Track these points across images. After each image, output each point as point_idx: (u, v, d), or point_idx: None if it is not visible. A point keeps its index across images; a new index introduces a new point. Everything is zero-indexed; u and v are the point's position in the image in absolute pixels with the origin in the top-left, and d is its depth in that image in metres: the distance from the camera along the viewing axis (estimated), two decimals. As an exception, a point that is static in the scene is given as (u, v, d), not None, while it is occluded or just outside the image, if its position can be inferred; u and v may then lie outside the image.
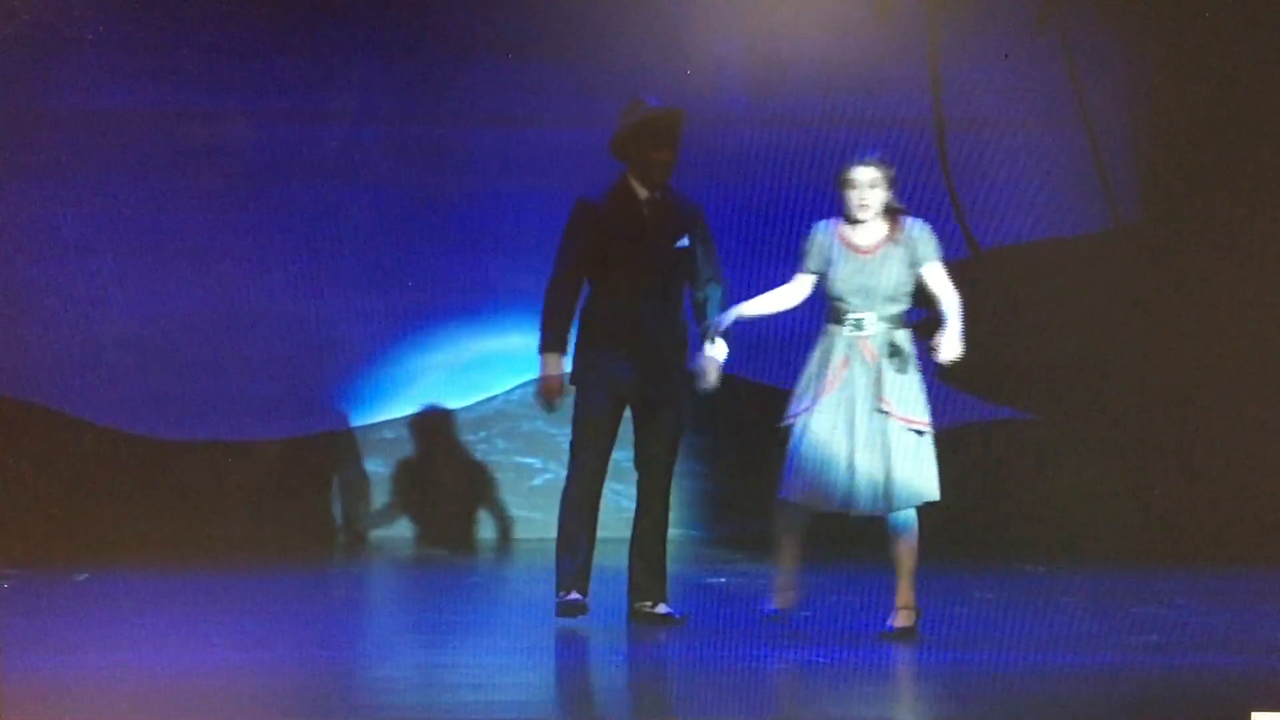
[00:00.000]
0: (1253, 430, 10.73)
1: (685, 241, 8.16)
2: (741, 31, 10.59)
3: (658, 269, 8.11)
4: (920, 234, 7.95)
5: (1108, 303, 10.82)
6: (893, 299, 7.87)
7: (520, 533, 10.92)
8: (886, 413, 7.81)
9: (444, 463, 10.99)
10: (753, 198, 10.38)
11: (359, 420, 10.93)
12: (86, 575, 9.58)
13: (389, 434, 10.94)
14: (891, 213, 7.92)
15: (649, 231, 8.11)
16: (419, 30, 10.58)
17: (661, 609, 8.14)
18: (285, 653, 7.72)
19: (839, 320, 7.87)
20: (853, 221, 7.91)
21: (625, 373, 8.08)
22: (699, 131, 9.55)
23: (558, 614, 8.02)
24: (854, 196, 7.89)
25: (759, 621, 7.97)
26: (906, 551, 7.89)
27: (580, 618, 8.00)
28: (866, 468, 7.81)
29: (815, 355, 7.92)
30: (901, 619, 7.86)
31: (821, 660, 7.54)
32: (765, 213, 10.24)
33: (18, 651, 7.13)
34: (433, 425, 10.90)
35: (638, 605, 8.14)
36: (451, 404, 10.90)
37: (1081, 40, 10.85)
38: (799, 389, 7.92)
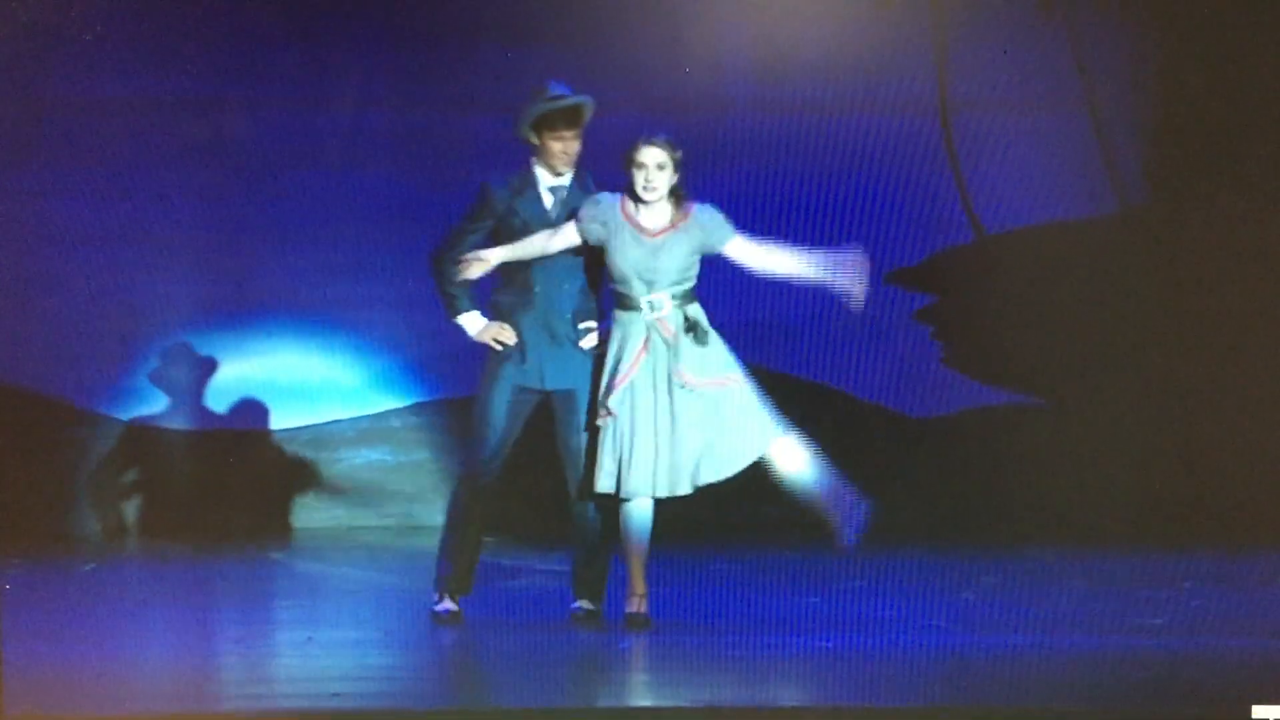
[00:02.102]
0: (1260, 414, 10.71)
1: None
2: (744, 16, 10.57)
3: (562, 257, 7.98)
4: (709, 219, 7.88)
5: (1113, 286, 10.80)
6: (681, 279, 7.83)
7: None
8: (689, 386, 7.76)
9: (453, 451, 10.97)
10: (756, 184, 10.36)
11: (369, 408, 10.93)
12: (93, 565, 9.60)
13: (395, 423, 10.94)
14: (677, 197, 7.83)
15: (552, 220, 7.99)
16: (429, 17, 10.57)
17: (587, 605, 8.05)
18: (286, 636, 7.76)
19: (632, 307, 7.81)
20: (637, 201, 7.81)
21: (533, 364, 8.01)
22: (701, 118, 9.55)
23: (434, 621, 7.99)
24: (640, 177, 7.78)
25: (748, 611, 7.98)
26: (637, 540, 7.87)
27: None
28: (684, 445, 7.76)
29: (613, 346, 7.86)
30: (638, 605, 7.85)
31: (828, 645, 7.54)
32: (767, 199, 10.22)
33: (21, 641, 7.13)
34: (447, 410, 10.88)
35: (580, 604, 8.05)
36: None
37: (1086, 22, 10.82)
38: (604, 383, 7.85)
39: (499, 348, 8.01)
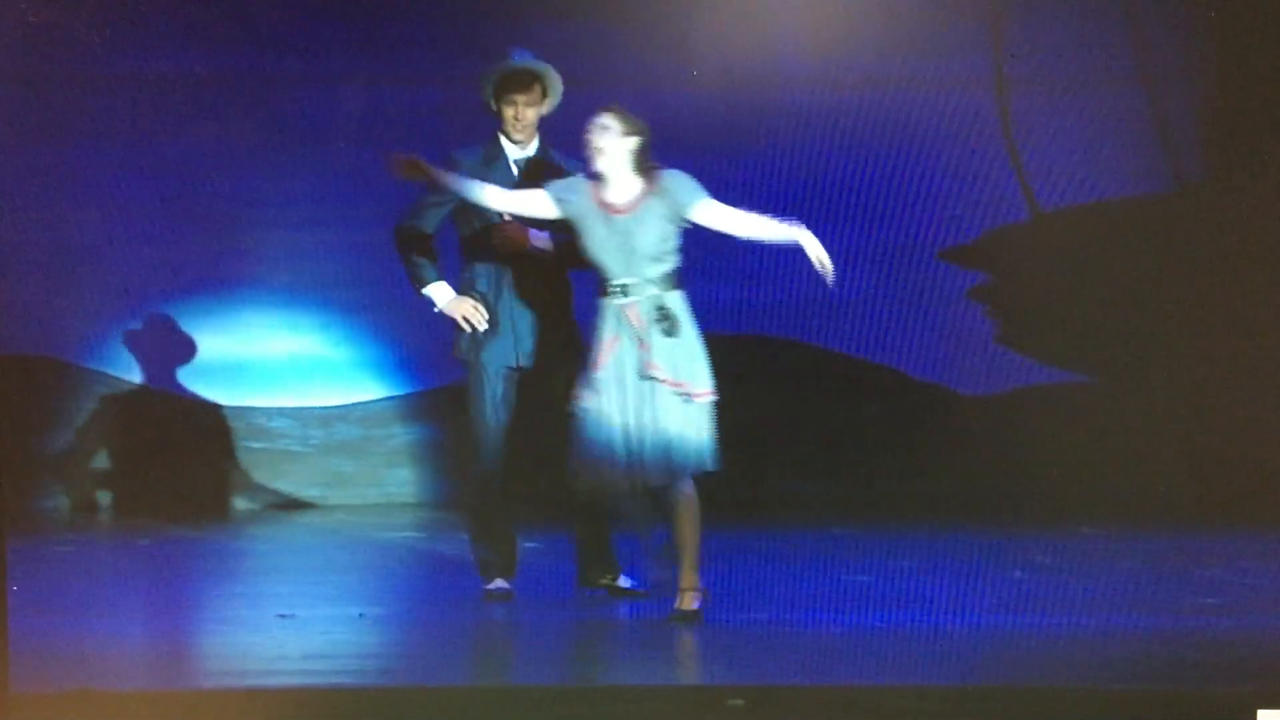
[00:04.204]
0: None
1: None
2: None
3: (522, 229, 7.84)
4: (674, 182, 7.52)
5: (1168, 264, 10.74)
6: (656, 259, 7.50)
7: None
8: (655, 379, 7.47)
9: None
10: (808, 161, 10.33)
11: (416, 386, 10.95)
12: (148, 540, 9.66)
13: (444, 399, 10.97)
14: (645, 170, 7.50)
15: (522, 185, 7.82)
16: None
17: (623, 582, 8.02)
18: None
19: (607, 292, 7.51)
20: (602, 180, 7.53)
21: (508, 342, 7.94)
22: (752, 94, 9.52)
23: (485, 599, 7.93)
24: (590, 145, 7.53)
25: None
26: (685, 527, 7.57)
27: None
28: (647, 438, 7.48)
29: (594, 332, 7.58)
30: (686, 601, 7.57)
31: (878, 623, 7.53)
32: (820, 176, 10.20)
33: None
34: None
35: (594, 580, 8.01)
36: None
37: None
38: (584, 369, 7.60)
39: (466, 327, 7.93)
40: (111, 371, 10.68)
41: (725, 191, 9.98)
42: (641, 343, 7.49)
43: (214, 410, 10.78)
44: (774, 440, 10.73)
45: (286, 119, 10.65)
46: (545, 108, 7.98)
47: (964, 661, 6.99)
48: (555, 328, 7.97)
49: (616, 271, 7.50)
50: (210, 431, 10.79)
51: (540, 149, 8.00)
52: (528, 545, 8.13)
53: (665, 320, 7.47)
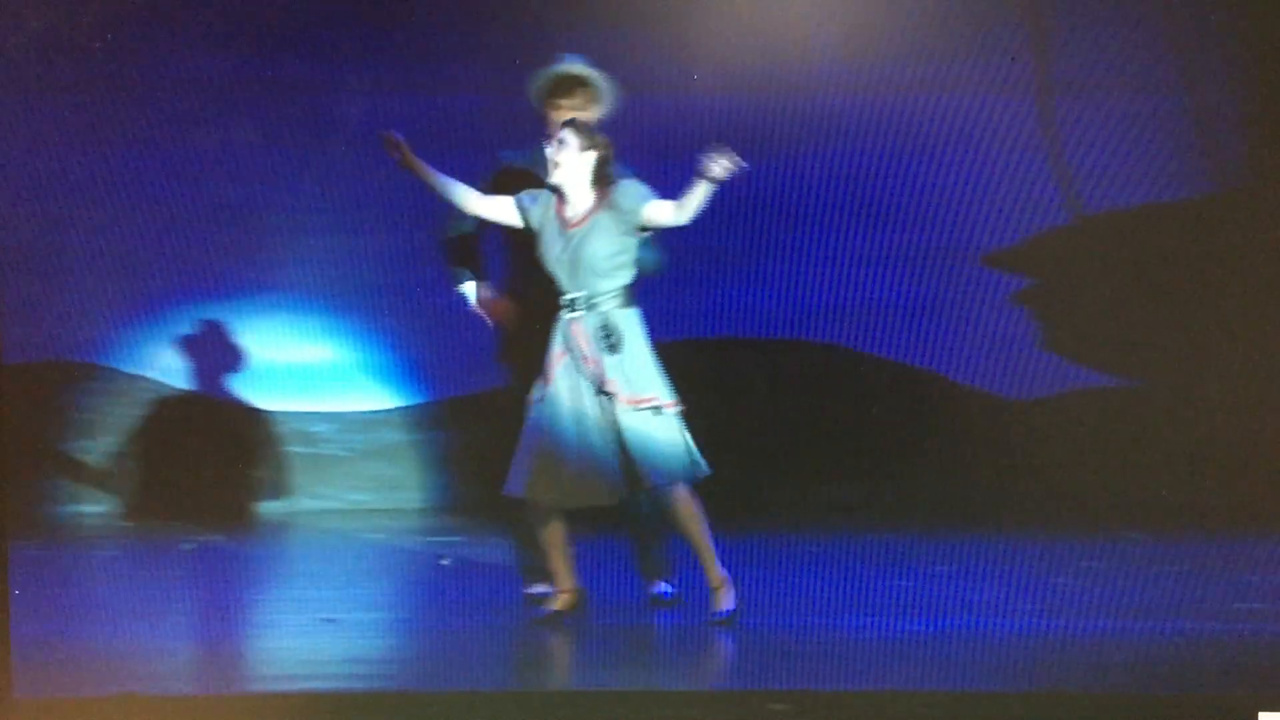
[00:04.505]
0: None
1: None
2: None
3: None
4: (622, 191, 7.53)
5: (1212, 268, 10.70)
6: (603, 274, 7.53)
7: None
8: (612, 394, 7.47)
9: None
10: (849, 166, 10.32)
11: (458, 390, 10.96)
12: (192, 545, 9.68)
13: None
14: (602, 182, 7.55)
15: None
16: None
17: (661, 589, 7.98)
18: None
19: (559, 305, 7.55)
20: (561, 193, 7.58)
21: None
22: (791, 99, 9.50)
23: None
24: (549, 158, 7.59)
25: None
26: (689, 530, 7.57)
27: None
28: (601, 455, 7.46)
29: (548, 346, 7.60)
30: (719, 601, 7.60)
31: (919, 629, 7.51)
32: (860, 181, 10.19)
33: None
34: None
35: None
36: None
37: (1185, 1, 10.72)
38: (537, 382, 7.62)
39: (489, 323, 7.94)
40: (152, 376, 10.71)
41: (765, 196, 9.98)
42: (586, 358, 7.51)
43: (256, 414, 10.81)
44: (814, 445, 10.71)
45: (332, 123, 10.67)
46: (593, 114, 7.90)
47: (1005, 667, 6.97)
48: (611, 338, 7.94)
49: (566, 285, 7.55)
50: (252, 436, 10.81)
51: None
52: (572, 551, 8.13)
53: (608, 337, 7.48)
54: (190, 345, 10.73)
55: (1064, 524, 9.77)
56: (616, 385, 7.47)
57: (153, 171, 10.58)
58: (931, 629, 7.52)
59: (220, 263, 10.66)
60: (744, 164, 7.35)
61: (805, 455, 10.53)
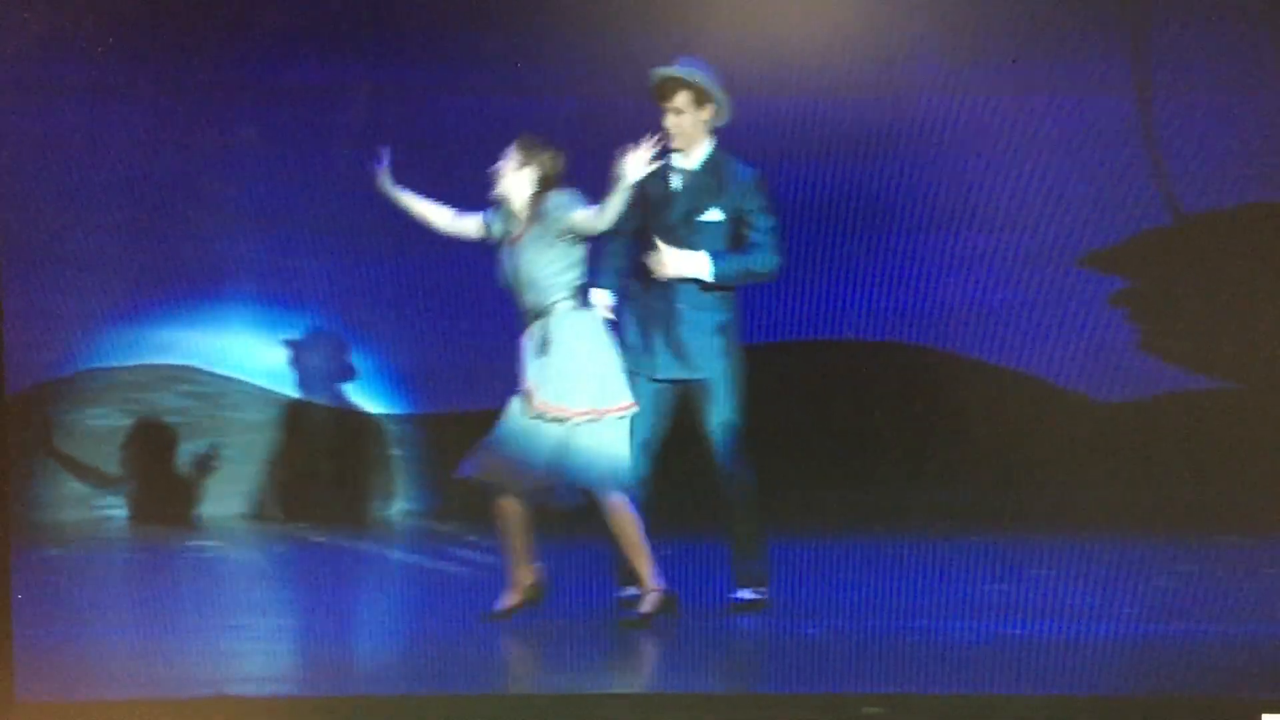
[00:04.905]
0: None
1: (716, 215, 7.88)
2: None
3: (677, 239, 7.87)
4: (553, 202, 7.68)
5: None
6: (543, 286, 7.67)
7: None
8: (535, 406, 7.63)
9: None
10: (947, 167, 10.28)
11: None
12: (283, 547, 9.75)
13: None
14: (540, 195, 7.70)
15: (668, 199, 7.88)
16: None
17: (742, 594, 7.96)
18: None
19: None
20: (508, 209, 7.78)
21: (655, 351, 7.93)
22: (883, 102, 9.46)
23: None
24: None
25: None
26: (619, 537, 7.67)
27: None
28: (532, 459, 7.63)
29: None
30: (644, 603, 7.70)
31: (1016, 633, 7.48)
32: (957, 184, 10.14)
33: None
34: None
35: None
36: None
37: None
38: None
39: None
40: (248, 379, 10.78)
41: (861, 198, 9.97)
42: (524, 364, 7.72)
43: (361, 417, 10.86)
44: (912, 448, 10.67)
45: (425, 130, 10.71)
46: (705, 116, 7.93)
47: (1102, 670, 6.92)
48: (713, 340, 7.96)
49: (517, 298, 7.74)
50: (354, 439, 10.86)
51: (709, 162, 7.95)
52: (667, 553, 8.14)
53: (547, 343, 7.65)
54: (297, 351, 10.78)
55: (1163, 526, 9.69)
56: (534, 390, 7.63)
57: (233, 176, 10.66)
58: (1028, 632, 7.48)
59: (298, 265, 10.71)
60: (661, 157, 7.56)
61: (900, 458, 10.51)
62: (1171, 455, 10.27)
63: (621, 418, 7.68)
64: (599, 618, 7.87)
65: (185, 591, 8.59)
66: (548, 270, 7.67)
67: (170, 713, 6.53)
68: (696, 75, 7.91)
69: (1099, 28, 10.49)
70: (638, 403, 7.77)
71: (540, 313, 7.68)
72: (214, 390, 10.68)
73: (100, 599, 8.40)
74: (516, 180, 7.72)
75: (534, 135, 7.75)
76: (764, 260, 7.88)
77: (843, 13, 10.23)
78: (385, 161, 7.85)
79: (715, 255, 7.83)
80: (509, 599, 7.79)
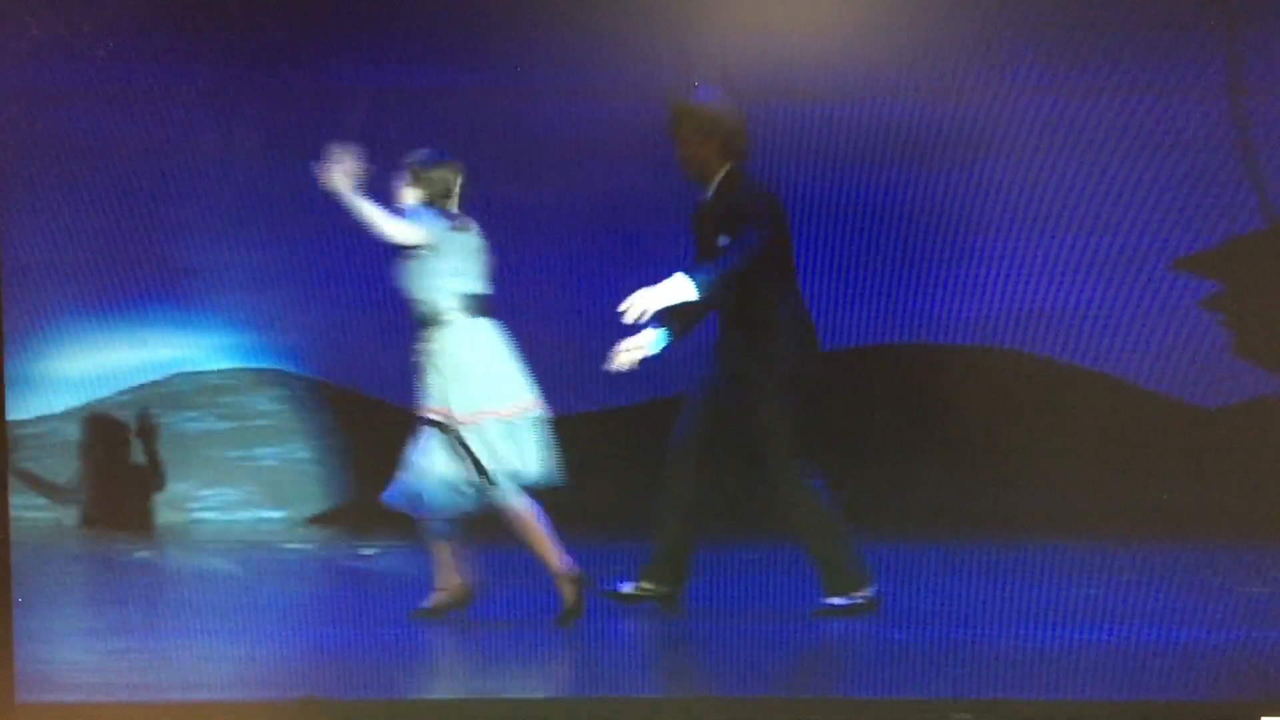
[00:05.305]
0: None
1: (723, 240, 7.92)
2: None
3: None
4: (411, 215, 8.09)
5: None
6: (418, 299, 8.06)
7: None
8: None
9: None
10: (1035, 168, 10.22)
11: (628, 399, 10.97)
12: (375, 549, 9.77)
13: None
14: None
15: (695, 231, 8.00)
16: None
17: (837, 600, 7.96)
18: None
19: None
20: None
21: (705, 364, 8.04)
22: (978, 102, 9.42)
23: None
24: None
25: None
26: (523, 539, 7.91)
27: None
28: (432, 466, 7.98)
29: None
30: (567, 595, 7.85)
31: (1106, 639, 7.42)
32: (1047, 182, 10.09)
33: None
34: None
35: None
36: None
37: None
38: None
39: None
40: (331, 380, 10.84)
41: (952, 201, 9.93)
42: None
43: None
44: (999, 453, 10.62)
45: (528, 133, 10.74)
46: (715, 148, 7.98)
47: (1196, 676, 6.87)
48: (738, 360, 8.04)
49: (413, 311, 8.17)
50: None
51: (718, 195, 7.97)
52: (748, 558, 8.14)
53: (435, 355, 8.02)
54: (367, 351, 10.82)
55: (1260, 532, 9.61)
56: (429, 401, 8.03)
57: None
58: (1118, 638, 7.43)
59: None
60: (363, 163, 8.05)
61: (988, 463, 10.46)
62: (1266, 460, 10.18)
63: (512, 418, 7.95)
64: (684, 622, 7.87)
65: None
66: (418, 284, 8.02)
67: (171, 715, 6.55)
68: (695, 106, 7.90)
69: (1192, 28, 10.42)
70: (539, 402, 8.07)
71: (432, 323, 8.00)
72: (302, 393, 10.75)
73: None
74: (409, 197, 8.07)
75: (424, 154, 8.14)
76: (736, 259, 7.82)
77: (938, 14, 10.21)
78: (340, 159, 7.97)
79: (690, 272, 7.81)
80: (436, 600, 7.98)
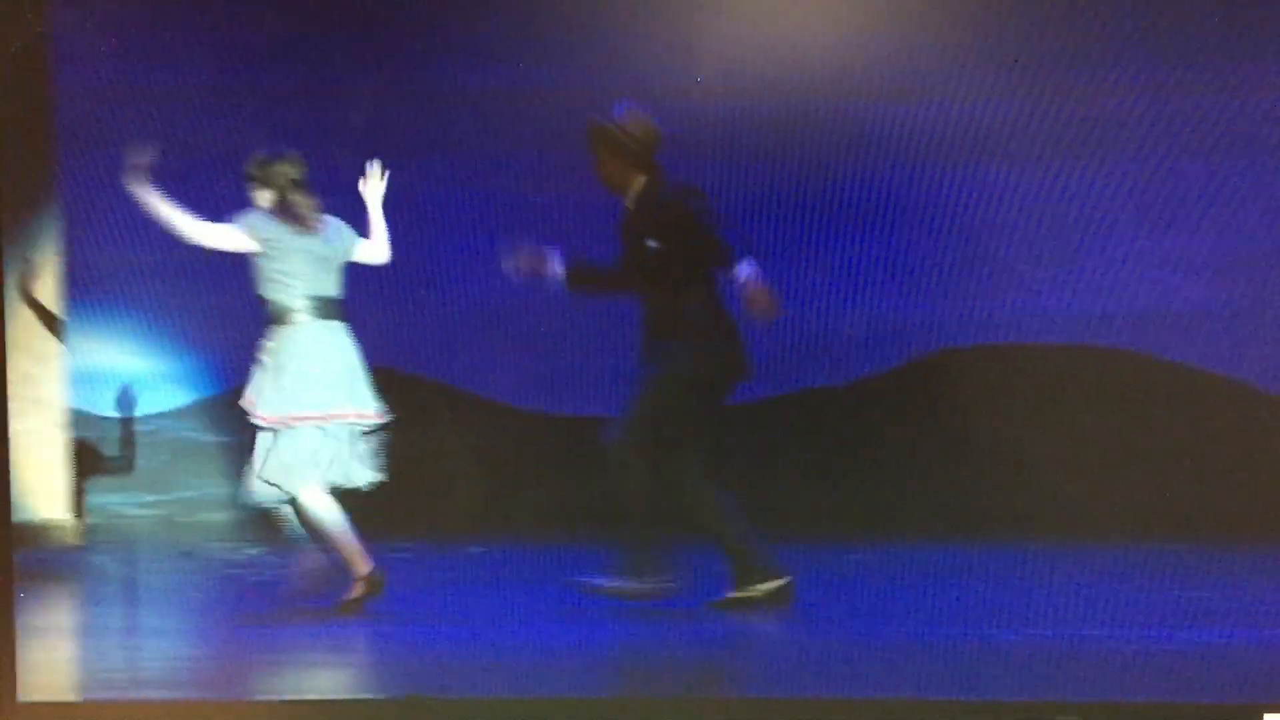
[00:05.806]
0: None
1: (652, 242, 8.10)
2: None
3: (635, 269, 8.14)
4: (334, 227, 8.24)
5: None
6: (268, 301, 8.08)
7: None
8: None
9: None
10: (1150, 167, 10.15)
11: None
12: (482, 548, 9.81)
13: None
14: (282, 210, 8.16)
15: (621, 238, 8.16)
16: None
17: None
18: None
19: None
20: None
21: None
22: (1085, 103, 9.37)
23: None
24: None
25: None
26: (313, 530, 8.03)
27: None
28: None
29: None
30: (353, 589, 8.00)
31: (1216, 641, 7.36)
32: (1163, 182, 10.01)
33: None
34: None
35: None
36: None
37: None
38: None
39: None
40: (434, 377, 10.89)
41: (1066, 200, 9.88)
42: None
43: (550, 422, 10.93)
44: (1111, 455, 10.55)
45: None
46: (628, 164, 8.22)
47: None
48: (658, 357, 8.22)
49: (262, 310, 8.21)
50: (548, 444, 10.93)
51: (638, 206, 8.21)
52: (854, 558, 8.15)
53: (276, 354, 8.07)
54: (467, 348, 10.87)
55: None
56: (255, 401, 8.03)
57: (427, 178, 10.76)
58: (1230, 639, 7.37)
59: (481, 266, 10.79)
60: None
61: (1098, 465, 10.40)
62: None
63: (331, 424, 8.06)
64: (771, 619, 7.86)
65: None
66: (274, 284, 8.01)
67: (171, 714, 6.60)
68: (610, 126, 8.19)
69: (1261, 26, 10.32)
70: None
71: (277, 323, 8.04)
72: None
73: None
74: (260, 199, 8.04)
75: (264, 155, 8.07)
76: (614, 267, 8.23)
77: (1048, 11, 10.17)
78: (138, 159, 8.00)
79: (569, 261, 8.32)
80: (356, 590, 8.01)
